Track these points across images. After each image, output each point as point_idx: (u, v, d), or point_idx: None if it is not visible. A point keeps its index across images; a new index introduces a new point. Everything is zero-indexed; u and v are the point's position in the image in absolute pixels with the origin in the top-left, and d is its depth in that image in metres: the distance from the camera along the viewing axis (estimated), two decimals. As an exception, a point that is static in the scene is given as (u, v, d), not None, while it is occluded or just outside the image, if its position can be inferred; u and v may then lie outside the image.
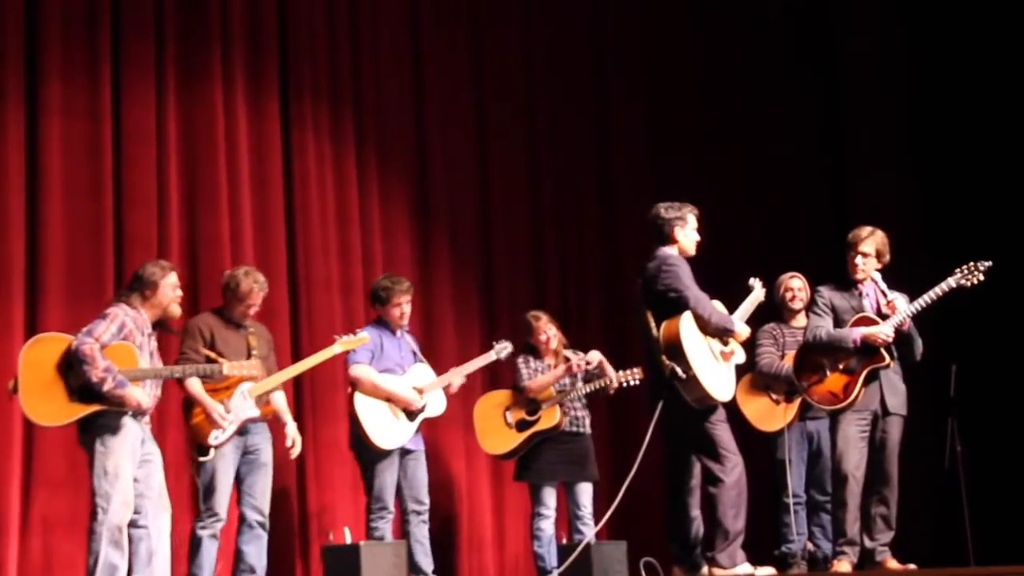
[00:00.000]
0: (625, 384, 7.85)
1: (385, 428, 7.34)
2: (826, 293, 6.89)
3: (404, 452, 7.45)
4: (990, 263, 6.78)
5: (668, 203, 6.51)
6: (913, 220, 9.64)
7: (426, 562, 7.43)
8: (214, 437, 6.75)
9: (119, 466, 6.06)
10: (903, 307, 6.72)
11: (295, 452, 7.15)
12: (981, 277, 6.77)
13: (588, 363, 7.81)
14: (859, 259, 6.84)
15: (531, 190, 9.68)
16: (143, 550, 6.18)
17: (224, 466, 6.83)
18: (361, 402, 7.35)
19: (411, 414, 7.43)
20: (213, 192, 8.17)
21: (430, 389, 7.50)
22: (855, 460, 6.66)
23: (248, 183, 8.34)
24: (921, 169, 10.21)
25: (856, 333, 6.70)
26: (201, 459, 6.78)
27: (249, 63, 8.46)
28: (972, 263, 6.79)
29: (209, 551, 6.83)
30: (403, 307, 7.53)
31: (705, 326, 6.31)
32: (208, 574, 6.82)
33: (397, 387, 7.39)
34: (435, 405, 7.55)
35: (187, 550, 6.89)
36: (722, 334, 6.40)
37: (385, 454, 7.34)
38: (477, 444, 8.13)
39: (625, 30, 10.24)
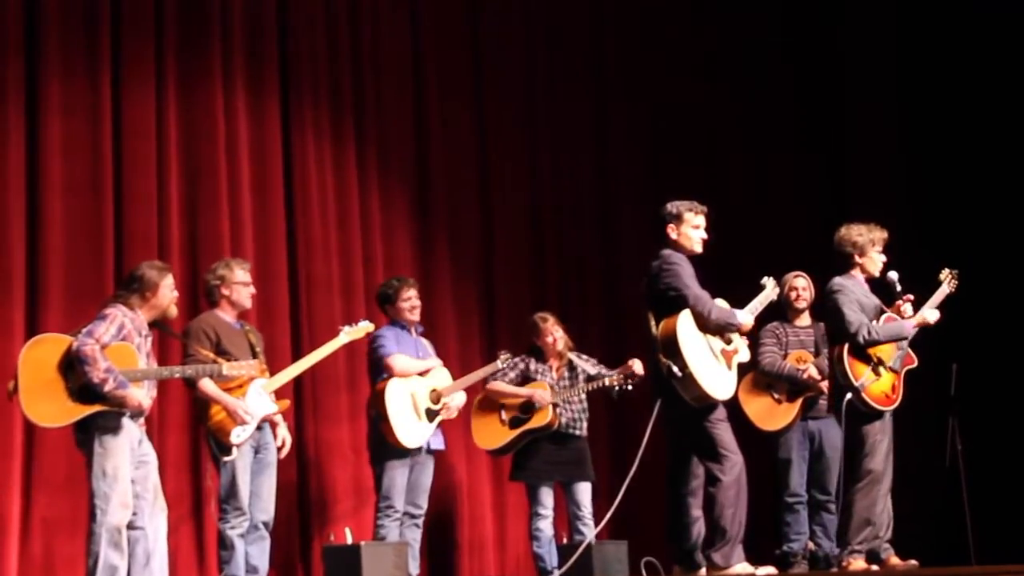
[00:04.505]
0: (625, 387, 7.80)
1: (409, 426, 7.38)
2: (851, 287, 6.71)
3: (418, 453, 7.47)
4: (956, 271, 6.99)
5: (673, 201, 6.45)
6: (913, 222, 9.62)
7: (413, 565, 7.41)
8: (236, 435, 6.70)
9: (118, 467, 6.02)
10: (910, 311, 6.75)
11: (284, 452, 7.11)
12: (956, 283, 6.94)
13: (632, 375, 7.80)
14: (883, 256, 6.82)
15: (531, 192, 9.66)
16: (140, 551, 6.13)
17: (244, 464, 6.78)
18: (392, 398, 7.36)
19: (430, 415, 7.45)
20: (213, 191, 8.16)
21: (448, 393, 7.57)
22: (886, 457, 6.63)
23: (248, 182, 8.32)
24: (921, 171, 10.20)
25: (911, 326, 6.70)
26: (225, 459, 6.72)
27: (249, 62, 8.44)
28: (948, 271, 6.95)
29: (240, 550, 6.77)
30: (412, 300, 7.62)
31: (705, 324, 6.24)
32: (243, 573, 6.79)
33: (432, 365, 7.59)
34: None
35: (216, 551, 6.89)
36: (724, 330, 6.33)
37: (400, 453, 7.37)
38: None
39: (626, 30, 10.21)
